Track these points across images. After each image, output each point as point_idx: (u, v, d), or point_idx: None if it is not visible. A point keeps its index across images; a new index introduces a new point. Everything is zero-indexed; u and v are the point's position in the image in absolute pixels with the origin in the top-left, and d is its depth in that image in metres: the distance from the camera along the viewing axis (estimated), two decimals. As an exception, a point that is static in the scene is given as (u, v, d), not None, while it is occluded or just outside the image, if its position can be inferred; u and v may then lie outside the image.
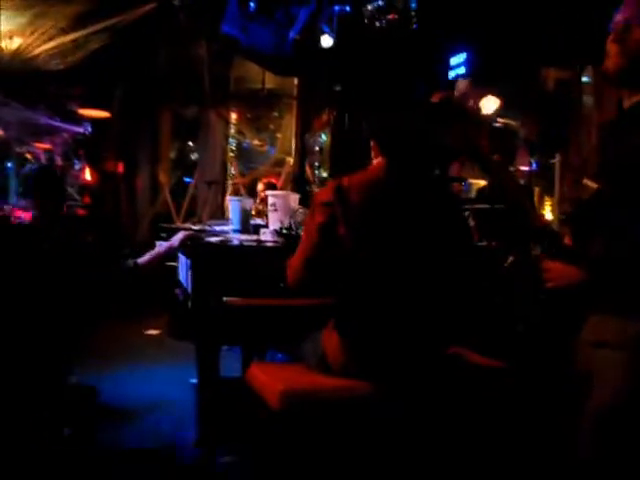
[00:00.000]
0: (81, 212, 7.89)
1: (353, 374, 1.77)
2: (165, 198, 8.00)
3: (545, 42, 4.94)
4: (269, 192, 3.13)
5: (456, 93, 2.18)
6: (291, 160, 7.48)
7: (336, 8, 4.89)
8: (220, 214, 7.46)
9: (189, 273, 2.42)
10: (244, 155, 8.32)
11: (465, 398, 1.87)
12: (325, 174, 8.23)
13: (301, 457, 1.73)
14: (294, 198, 2.98)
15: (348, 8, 4.75)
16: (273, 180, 8.15)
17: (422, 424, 1.78)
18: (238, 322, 2.25)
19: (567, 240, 1.62)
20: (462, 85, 2.18)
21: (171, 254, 2.77)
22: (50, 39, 5.25)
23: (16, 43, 5.30)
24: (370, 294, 1.81)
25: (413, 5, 3.80)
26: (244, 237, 2.72)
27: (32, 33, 5.18)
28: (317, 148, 8.26)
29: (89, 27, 5.09)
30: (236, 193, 6.49)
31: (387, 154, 1.90)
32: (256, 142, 8.82)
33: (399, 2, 3.71)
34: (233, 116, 8.01)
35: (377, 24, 3.80)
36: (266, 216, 4.51)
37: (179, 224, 5.47)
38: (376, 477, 1.77)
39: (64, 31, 5.14)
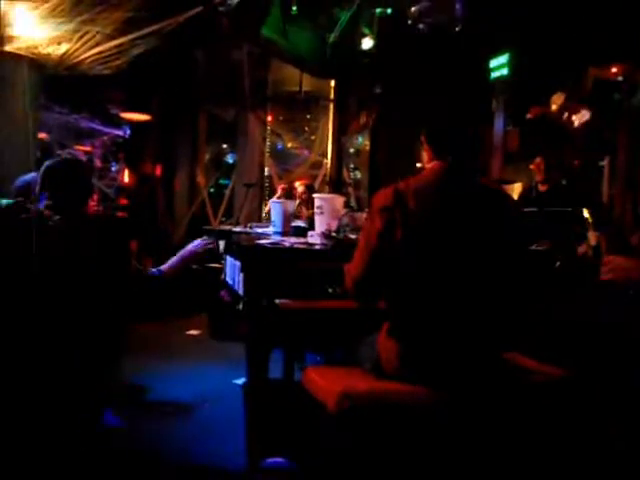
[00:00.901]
0: (121, 214, 8.01)
1: (408, 379, 1.76)
2: (203, 200, 8.10)
3: (591, 40, 4.86)
4: (316, 195, 3.14)
5: (552, 107, 2.12)
6: (328, 162, 7.49)
7: (377, 10, 4.90)
8: (257, 216, 7.53)
9: (240, 275, 2.45)
10: (278, 157, 8.36)
11: (520, 403, 1.84)
12: (359, 175, 8.24)
13: (358, 461, 1.73)
14: (340, 201, 3.00)
15: (389, 10, 4.75)
16: (307, 182, 8.19)
17: (480, 430, 1.76)
18: (290, 324, 2.27)
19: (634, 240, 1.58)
20: (558, 99, 2.13)
21: (194, 258, 2.73)
22: (96, 45, 5.34)
23: (63, 49, 5.41)
24: (427, 299, 1.79)
25: (458, 6, 3.77)
26: (294, 240, 2.73)
27: (79, 39, 5.28)
28: (352, 150, 8.26)
29: (135, 32, 5.17)
30: (286, 196, 6.51)
31: (444, 157, 1.88)
32: (290, 144, 8.86)
33: (444, 4, 3.69)
34: (268, 118, 8.07)
35: (421, 26, 3.78)
36: (308, 218, 4.54)
37: (220, 226, 5.52)
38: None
39: (110, 37, 5.22)
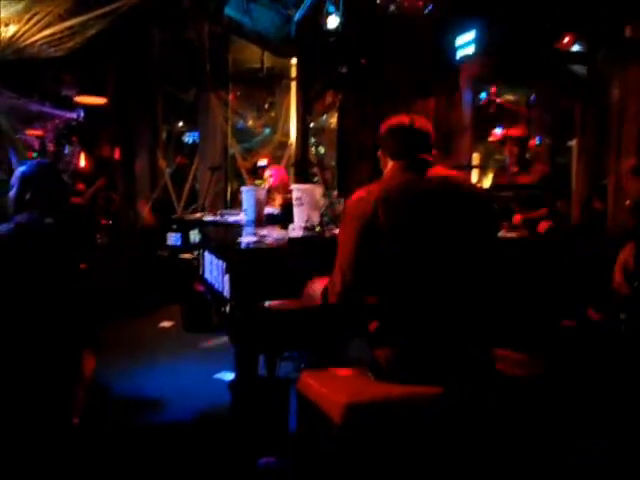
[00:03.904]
0: (77, 200, 7.72)
1: (408, 379, 1.76)
2: (165, 184, 7.88)
3: (555, 15, 4.88)
4: (294, 186, 3.05)
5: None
6: (293, 143, 7.36)
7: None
8: (222, 200, 7.37)
9: (226, 277, 2.37)
10: (240, 136, 8.18)
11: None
12: (323, 151, 8.14)
13: (364, 472, 1.71)
14: (319, 191, 2.93)
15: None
16: (267, 160, 8.06)
17: (484, 433, 1.76)
18: (280, 327, 2.22)
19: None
20: None
21: None
22: (47, 26, 5.06)
23: (11, 31, 5.11)
24: (416, 297, 1.80)
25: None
26: (276, 235, 2.66)
27: (28, 20, 5.00)
28: (318, 128, 8.16)
29: (88, 13, 4.91)
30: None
31: (397, 157, 1.93)
32: (251, 123, 8.68)
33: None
34: (230, 97, 7.86)
35: (392, 8, 3.69)
36: (282, 206, 4.46)
37: (187, 214, 5.37)
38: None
39: (62, 18, 4.96)
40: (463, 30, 5.32)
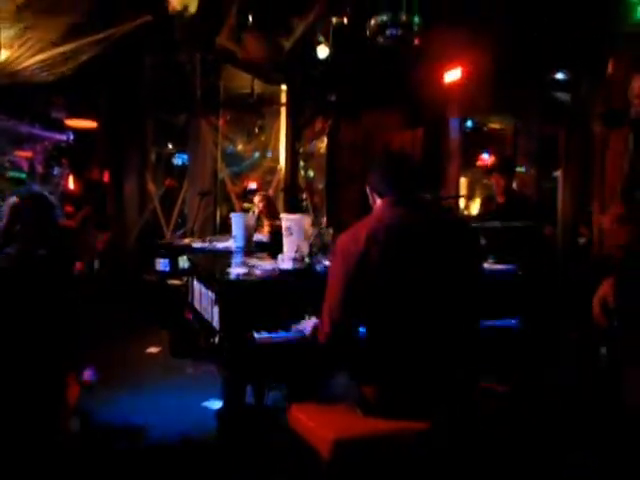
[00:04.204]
0: (68, 223, 7.70)
1: (395, 414, 1.77)
2: (154, 208, 7.89)
3: (542, 48, 5.00)
4: (284, 215, 3.07)
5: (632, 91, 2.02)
6: (282, 168, 7.42)
7: (333, 19, 4.87)
8: (211, 224, 7.38)
9: (215, 309, 2.38)
10: (228, 160, 8.24)
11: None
12: (312, 175, 8.22)
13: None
14: (308, 221, 2.95)
15: (345, 20, 4.74)
16: (257, 184, 8.10)
17: (471, 465, 1.78)
18: (269, 359, 2.23)
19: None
20: (637, 83, 1.98)
21: None
22: (40, 52, 5.11)
23: (4, 56, 5.14)
24: (403, 332, 1.82)
25: (416, 20, 3.80)
26: (267, 266, 2.68)
27: (21, 46, 5.04)
28: (307, 153, 8.24)
29: (81, 39, 4.96)
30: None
31: (384, 194, 1.98)
32: (241, 147, 8.75)
33: (403, 17, 3.71)
34: (220, 123, 7.93)
35: (380, 39, 3.79)
36: (270, 233, 4.48)
37: (176, 240, 5.37)
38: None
39: (54, 44, 5.00)
40: (450, 60, 5.44)
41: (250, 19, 4.86)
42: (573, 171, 5.46)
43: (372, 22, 3.82)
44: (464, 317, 1.90)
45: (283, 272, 2.55)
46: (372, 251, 1.80)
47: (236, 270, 2.55)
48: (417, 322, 1.82)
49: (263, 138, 8.13)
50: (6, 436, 2.16)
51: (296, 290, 2.40)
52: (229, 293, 2.25)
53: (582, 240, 5.28)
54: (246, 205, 7.30)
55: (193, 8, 3.97)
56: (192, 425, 3.27)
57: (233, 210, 7.41)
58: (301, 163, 8.09)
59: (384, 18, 3.73)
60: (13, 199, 2.27)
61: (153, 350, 4.95)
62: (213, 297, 2.42)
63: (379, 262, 1.79)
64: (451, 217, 2.03)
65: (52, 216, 2.42)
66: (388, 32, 3.70)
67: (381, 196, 1.99)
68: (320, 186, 7.78)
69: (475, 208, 7.53)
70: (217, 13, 4.73)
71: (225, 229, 6.23)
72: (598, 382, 2.44)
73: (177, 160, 9.49)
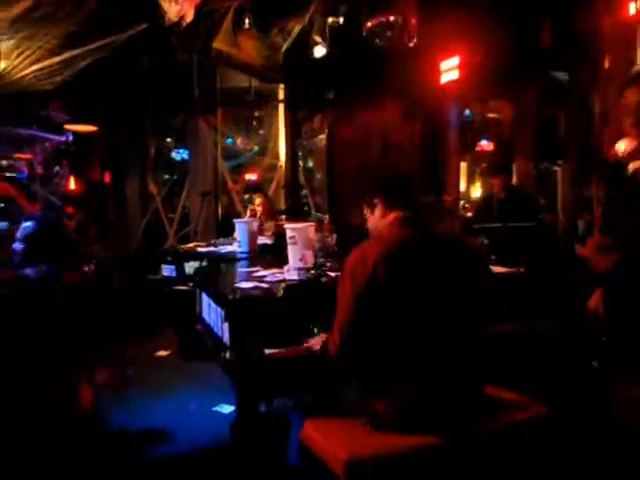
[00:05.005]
0: (71, 224, 7.73)
1: (406, 429, 1.82)
2: (156, 209, 7.92)
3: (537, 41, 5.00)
4: (288, 225, 3.11)
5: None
6: (282, 166, 7.44)
7: (329, 20, 4.88)
8: (214, 224, 7.41)
9: (224, 325, 2.43)
10: (227, 154, 8.24)
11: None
12: (316, 176, 8.24)
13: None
14: (312, 229, 2.99)
15: (341, 20, 4.75)
16: (256, 175, 8.09)
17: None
18: (279, 375, 2.28)
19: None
20: (632, 97, 1.95)
21: None
22: (38, 61, 5.12)
23: (1, 66, 5.16)
24: (414, 348, 1.86)
25: (413, 21, 3.81)
26: (271, 276, 2.73)
27: (18, 56, 5.05)
28: (308, 150, 8.25)
29: (79, 47, 4.97)
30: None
31: (400, 206, 2.00)
32: (240, 143, 8.75)
33: (399, 19, 3.72)
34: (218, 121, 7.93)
35: (377, 41, 3.80)
36: (273, 235, 4.53)
37: (185, 245, 5.39)
38: None
39: (53, 53, 5.01)
40: (447, 55, 5.44)
41: (247, 21, 4.87)
42: (573, 154, 5.46)
43: (369, 24, 3.83)
44: (471, 330, 1.94)
45: (290, 286, 2.60)
46: (380, 272, 1.83)
47: (244, 284, 2.59)
48: (426, 339, 1.86)
49: (262, 132, 8.14)
50: (16, 440, 2.20)
51: (304, 304, 2.44)
52: (239, 313, 2.30)
53: (582, 225, 5.32)
54: (246, 196, 7.35)
55: (189, 18, 3.99)
56: (202, 430, 3.32)
57: (234, 208, 7.46)
58: (301, 156, 8.11)
59: (381, 20, 3.74)
60: (28, 224, 2.32)
61: (162, 353, 5.02)
62: (222, 314, 2.47)
63: (387, 283, 1.83)
64: (458, 240, 2.07)
65: (64, 238, 2.48)
66: (383, 33, 3.71)
67: (389, 209, 2.03)
68: (321, 182, 7.80)
69: (477, 191, 7.59)
70: (213, 19, 4.74)
71: (226, 227, 6.28)
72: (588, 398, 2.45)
73: (177, 156, 9.48)
